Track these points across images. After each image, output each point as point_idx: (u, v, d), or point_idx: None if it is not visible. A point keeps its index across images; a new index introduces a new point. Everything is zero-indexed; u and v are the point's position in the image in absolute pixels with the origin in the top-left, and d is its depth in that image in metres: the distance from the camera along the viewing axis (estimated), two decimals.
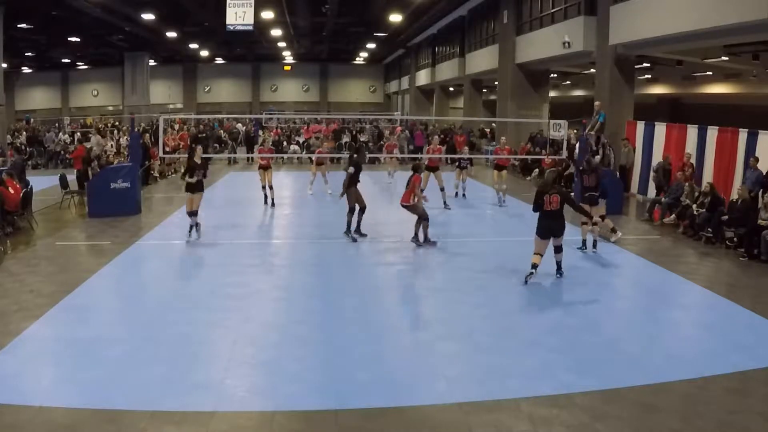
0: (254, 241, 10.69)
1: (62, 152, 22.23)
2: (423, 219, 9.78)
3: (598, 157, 13.79)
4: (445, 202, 13.27)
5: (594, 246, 9.62)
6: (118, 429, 4.41)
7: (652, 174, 13.28)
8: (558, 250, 8.07)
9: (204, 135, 22.04)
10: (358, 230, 10.35)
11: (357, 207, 10.25)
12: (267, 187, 13.45)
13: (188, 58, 43.24)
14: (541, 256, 7.87)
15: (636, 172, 14.82)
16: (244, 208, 13.16)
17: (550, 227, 7.83)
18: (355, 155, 10.79)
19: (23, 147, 22.78)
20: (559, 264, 8.12)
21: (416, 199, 9.70)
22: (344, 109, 45.92)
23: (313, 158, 15.95)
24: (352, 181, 10.18)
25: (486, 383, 5.15)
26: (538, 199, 7.83)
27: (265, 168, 13.48)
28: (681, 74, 24.73)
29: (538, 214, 7.91)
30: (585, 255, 9.53)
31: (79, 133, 24.98)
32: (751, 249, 9.32)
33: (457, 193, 14.77)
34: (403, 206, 9.84)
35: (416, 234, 9.87)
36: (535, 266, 7.80)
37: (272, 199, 13.48)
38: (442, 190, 13.33)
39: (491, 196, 15.99)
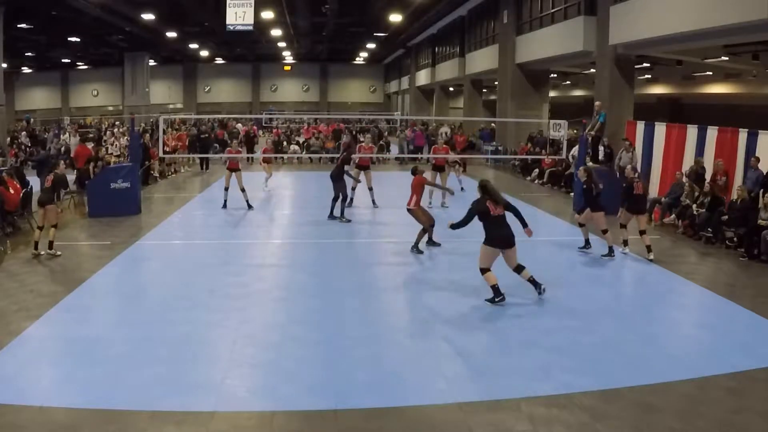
0: (254, 241, 10.69)
1: (63, 152, 22.15)
2: (422, 230, 9.51)
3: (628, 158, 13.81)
4: (373, 201, 13.26)
5: (610, 252, 9.36)
6: (118, 429, 4.41)
7: (684, 178, 12.02)
8: (519, 269, 7.22)
9: (206, 135, 22.05)
10: (342, 215, 11.83)
11: (341, 196, 11.85)
12: (240, 190, 12.97)
13: (188, 58, 43.29)
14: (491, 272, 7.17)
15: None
16: (244, 208, 13.14)
17: (503, 235, 7.13)
18: (344, 153, 12.25)
19: (24, 147, 22.78)
20: (533, 281, 7.25)
21: (418, 203, 9.51)
22: (344, 109, 45.95)
23: (261, 157, 16.32)
24: (340, 174, 11.81)
25: (486, 383, 5.15)
26: (481, 206, 7.16)
27: (232, 170, 13.07)
28: (681, 74, 24.77)
29: (487, 225, 7.19)
30: (585, 255, 9.55)
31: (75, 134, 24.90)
32: (751, 249, 9.32)
33: (462, 188, 15.19)
34: (407, 210, 9.59)
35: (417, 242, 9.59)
36: (495, 288, 7.09)
37: (247, 201, 13.02)
38: (370, 189, 13.33)
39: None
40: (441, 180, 13.42)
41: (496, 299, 7.10)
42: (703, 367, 5.48)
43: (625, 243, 9.58)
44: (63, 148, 20.62)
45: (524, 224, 7.32)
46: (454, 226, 7.36)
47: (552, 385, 5.10)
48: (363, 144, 14.64)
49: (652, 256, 9.21)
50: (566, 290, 7.81)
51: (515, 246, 7.17)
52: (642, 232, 9.37)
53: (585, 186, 9.44)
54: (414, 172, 9.78)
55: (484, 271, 7.19)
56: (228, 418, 4.59)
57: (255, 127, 27.78)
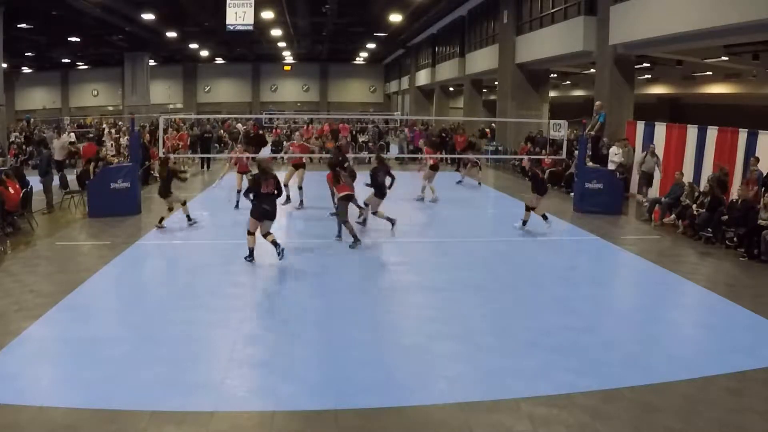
0: None
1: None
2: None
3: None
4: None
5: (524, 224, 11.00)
6: (118, 429, 4.41)
7: (705, 186, 11.55)
8: (267, 235, 8.66)
9: (209, 135, 22.06)
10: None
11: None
12: (298, 188, 13.29)
13: (188, 58, 43.30)
14: (254, 236, 8.66)
15: (636, 172, 14.79)
16: (244, 208, 13.12)
17: (266, 211, 8.49)
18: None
19: (24, 147, 22.77)
20: (275, 243, 8.59)
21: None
22: (344, 109, 45.95)
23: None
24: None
25: (486, 383, 5.15)
26: (255, 185, 8.51)
27: (297, 166, 13.40)
28: (681, 74, 24.77)
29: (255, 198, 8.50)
30: (585, 256, 9.56)
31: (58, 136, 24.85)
32: (751, 249, 9.32)
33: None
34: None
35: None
36: (251, 251, 8.70)
37: (301, 200, 13.32)
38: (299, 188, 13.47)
39: (490, 196, 16.03)
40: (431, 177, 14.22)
41: (248, 258, 8.72)
42: (703, 367, 5.48)
43: (544, 217, 10.90)
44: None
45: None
46: (246, 195, 8.86)
47: (552, 385, 5.10)
48: (294, 142, 14.59)
49: (548, 227, 10.73)
50: (566, 290, 7.82)
51: (274, 220, 8.70)
52: (533, 209, 10.89)
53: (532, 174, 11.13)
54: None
55: (250, 234, 8.68)
56: (228, 418, 4.59)
57: (256, 127, 27.71)
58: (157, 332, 6.19)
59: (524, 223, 11.06)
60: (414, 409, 4.75)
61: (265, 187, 8.45)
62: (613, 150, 14.81)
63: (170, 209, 11.19)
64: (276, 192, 8.66)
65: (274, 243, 8.58)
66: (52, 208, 12.72)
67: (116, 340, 5.95)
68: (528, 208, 11.02)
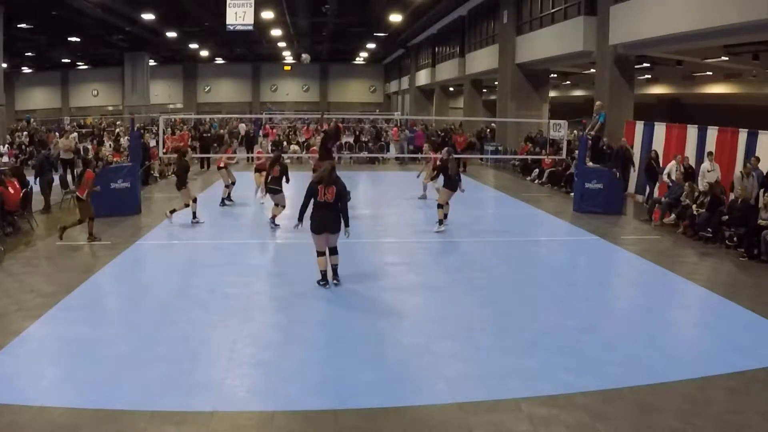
0: (254, 241, 10.68)
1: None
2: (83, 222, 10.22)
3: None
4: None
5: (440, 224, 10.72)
6: (118, 429, 4.41)
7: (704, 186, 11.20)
8: (333, 251, 7.55)
9: (208, 135, 22.08)
10: None
11: None
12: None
13: (188, 58, 43.32)
14: (325, 255, 7.52)
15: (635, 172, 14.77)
16: (245, 208, 13.14)
17: (323, 220, 7.32)
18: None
19: (24, 147, 22.78)
20: (335, 269, 7.61)
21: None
22: (344, 109, 45.94)
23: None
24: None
25: (486, 383, 5.15)
26: (312, 186, 7.28)
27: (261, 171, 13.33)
28: (681, 74, 24.81)
29: (313, 208, 7.33)
30: (585, 256, 9.56)
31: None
32: (751, 249, 9.32)
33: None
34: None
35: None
36: (324, 273, 7.58)
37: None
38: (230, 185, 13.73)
39: (490, 196, 16.03)
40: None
41: (321, 282, 7.60)
42: (703, 367, 5.48)
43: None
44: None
45: (345, 224, 7.44)
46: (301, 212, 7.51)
47: (552, 385, 5.10)
48: (258, 148, 14.91)
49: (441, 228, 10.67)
50: (566, 290, 7.82)
51: (338, 233, 7.45)
52: (441, 206, 10.85)
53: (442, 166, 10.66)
54: (86, 165, 10.90)
55: (319, 254, 7.56)
56: (228, 418, 4.59)
57: (267, 126, 27.63)
58: (157, 332, 6.19)
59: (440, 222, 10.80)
60: (414, 409, 4.75)
61: (322, 194, 7.23)
62: (672, 167, 12.70)
63: (186, 204, 11.37)
64: (336, 202, 7.30)
65: (335, 269, 7.60)
66: (50, 210, 12.68)
67: (116, 340, 5.95)
68: (440, 206, 10.87)
